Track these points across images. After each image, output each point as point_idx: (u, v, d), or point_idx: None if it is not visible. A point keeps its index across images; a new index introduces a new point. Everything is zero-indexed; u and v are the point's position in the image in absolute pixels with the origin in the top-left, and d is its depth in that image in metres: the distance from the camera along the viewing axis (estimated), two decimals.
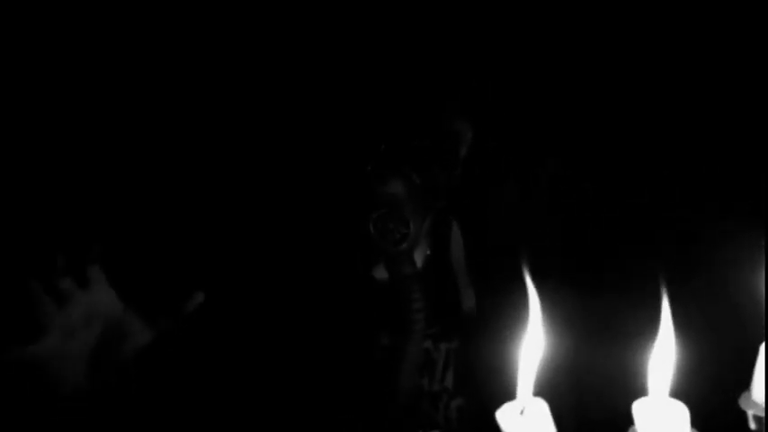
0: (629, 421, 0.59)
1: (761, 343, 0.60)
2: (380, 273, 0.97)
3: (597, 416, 0.78)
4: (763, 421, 0.61)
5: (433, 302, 0.94)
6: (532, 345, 0.57)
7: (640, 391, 0.59)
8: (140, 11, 0.96)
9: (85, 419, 0.85)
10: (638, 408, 0.59)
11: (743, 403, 0.63)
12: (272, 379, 0.97)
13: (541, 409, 0.58)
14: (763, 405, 0.61)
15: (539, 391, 0.57)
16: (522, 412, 0.58)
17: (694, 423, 0.58)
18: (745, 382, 0.62)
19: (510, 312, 0.97)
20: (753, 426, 0.62)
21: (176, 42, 1.06)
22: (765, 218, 1.13)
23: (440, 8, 1.00)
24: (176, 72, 1.07)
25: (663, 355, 0.57)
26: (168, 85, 1.06)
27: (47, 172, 1.09)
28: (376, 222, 0.91)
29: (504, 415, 0.58)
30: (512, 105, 1.09)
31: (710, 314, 0.89)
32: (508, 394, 0.81)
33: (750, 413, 0.62)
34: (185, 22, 1.07)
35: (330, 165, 0.97)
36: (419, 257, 0.99)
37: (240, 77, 1.08)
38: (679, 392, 0.58)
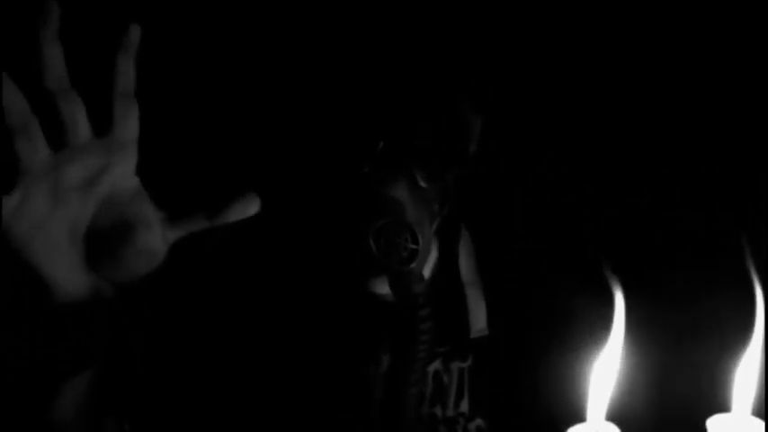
0: None
1: None
2: (382, 288, 0.84)
3: None
4: None
5: (443, 318, 0.82)
6: (609, 364, 0.52)
7: (712, 407, 0.55)
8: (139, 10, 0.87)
9: (79, 350, 0.64)
10: (714, 424, 0.55)
11: None
12: (271, 381, 0.87)
13: None
14: None
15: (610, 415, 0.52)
16: None
17: None
18: None
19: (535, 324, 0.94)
20: None
21: (172, 40, 0.98)
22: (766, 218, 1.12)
23: (441, 5, 0.94)
24: (170, 70, 0.99)
25: (750, 370, 0.52)
26: (163, 83, 0.98)
27: None
28: (378, 236, 0.78)
29: None
30: (512, 105, 1.04)
31: None
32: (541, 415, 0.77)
33: None
34: (181, 19, 0.99)
35: (321, 166, 0.85)
36: (428, 267, 0.89)
37: (222, 69, 1.00)
38: (756, 410, 0.54)
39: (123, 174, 0.64)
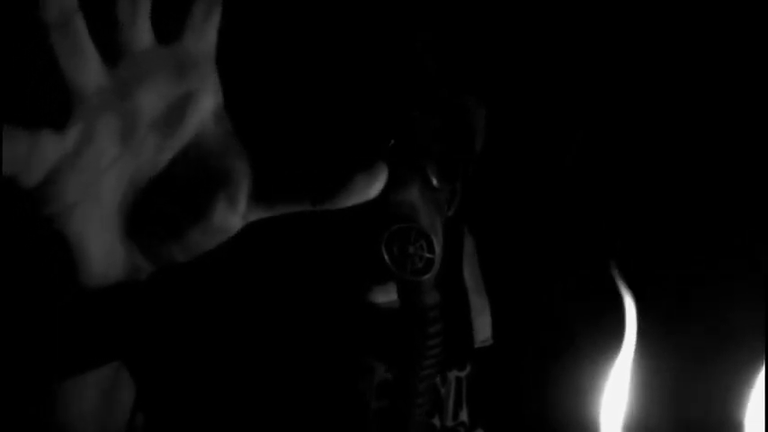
0: None
1: None
2: (385, 296, 0.80)
3: None
4: None
5: (446, 327, 0.76)
6: (621, 375, 0.51)
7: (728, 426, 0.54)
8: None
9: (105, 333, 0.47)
10: None
11: None
12: (266, 387, 0.84)
13: None
14: None
15: None
16: None
17: None
18: None
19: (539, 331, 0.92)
20: None
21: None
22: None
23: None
24: None
25: (762, 388, 0.51)
26: None
27: None
28: (390, 245, 0.71)
29: None
30: (512, 105, 1.03)
31: None
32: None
33: None
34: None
35: (323, 166, 0.82)
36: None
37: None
38: None
39: (212, 108, 0.47)
